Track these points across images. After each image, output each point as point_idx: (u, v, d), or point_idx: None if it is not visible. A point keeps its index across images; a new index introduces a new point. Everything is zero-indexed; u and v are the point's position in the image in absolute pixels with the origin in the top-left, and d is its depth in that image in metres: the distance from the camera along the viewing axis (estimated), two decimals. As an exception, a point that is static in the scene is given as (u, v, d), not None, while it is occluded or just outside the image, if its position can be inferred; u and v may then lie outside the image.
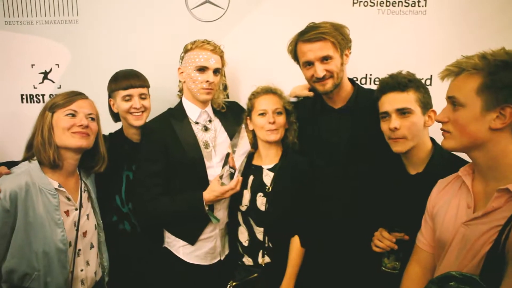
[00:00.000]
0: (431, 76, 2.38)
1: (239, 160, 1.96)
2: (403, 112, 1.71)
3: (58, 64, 2.57)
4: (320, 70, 1.87)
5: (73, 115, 1.75)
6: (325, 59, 1.87)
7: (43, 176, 1.69)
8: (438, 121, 1.39)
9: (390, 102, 1.73)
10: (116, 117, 2.24)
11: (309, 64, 1.91)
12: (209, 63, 2.02)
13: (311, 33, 1.85)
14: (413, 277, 1.56)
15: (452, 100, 1.32)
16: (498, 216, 1.21)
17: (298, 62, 1.99)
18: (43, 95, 2.58)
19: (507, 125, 1.22)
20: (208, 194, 1.93)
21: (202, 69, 2.01)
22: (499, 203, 1.22)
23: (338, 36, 1.86)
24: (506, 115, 1.21)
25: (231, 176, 1.93)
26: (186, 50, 2.07)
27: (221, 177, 1.94)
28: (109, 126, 2.22)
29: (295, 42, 1.94)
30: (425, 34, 2.41)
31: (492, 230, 1.21)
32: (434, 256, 1.50)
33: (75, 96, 1.80)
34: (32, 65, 2.57)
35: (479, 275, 1.17)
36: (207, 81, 2.01)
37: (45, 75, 2.58)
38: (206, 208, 1.94)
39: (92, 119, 1.82)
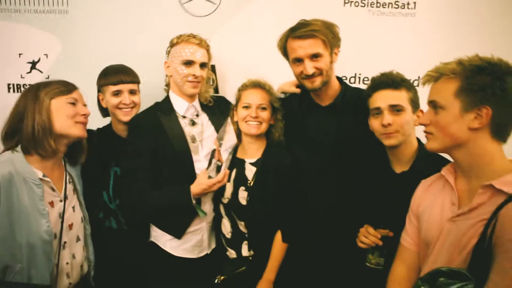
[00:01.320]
0: (419, 77, 2.42)
1: (225, 153, 1.96)
2: (396, 109, 1.75)
3: (46, 54, 2.53)
4: (309, 67, 1.88)
5: (74, 104, 1.74)
6: (314, 56, 1.88)
7: (27, 166, 1.64)
8: (421, 124, 1.45)
9: (383, 98, 1.76)
10: (104, 112, 2.21)
11: (298, 60, 1.92)
12: (195, 57, 2.02)
13: (302, 30, 1.86)
14: (398, 275, 1.58)
15: (433, 104, 1.39)
16: (483, 211, 1.26)
17: (287, 58, 2.00)
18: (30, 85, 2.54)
19: (484, 125, 1.29)
20: (195, 188, 1.92)
21: (188, 63, 2.01)
22: (484, 199, 1.28)
23: (328, 34, 1.87)
24: (482, 115, 1.28)
25: (218, 169, 1.94)
26: (172, 44, 2.08)
27: (207, 170, 1.94)
28: (97, 122, 2.21)
29: (285, 38, 1.94)
30: (413, 36, 2.45)
31: (477, 224, 1.26)
32: (419, 254, 1.54)
33: (72, 85, 1.80)
34: (19, 54, 2.52)
35: (467, 269, 1.22)
36: (194, 75, 2.01)
37: (33, 64, 2.54)
38: (194, 201, 1.94)
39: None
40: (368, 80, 2.49)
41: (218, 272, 2.05)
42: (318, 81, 1.92)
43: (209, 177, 1.92)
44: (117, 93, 2.09)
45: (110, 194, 2.13)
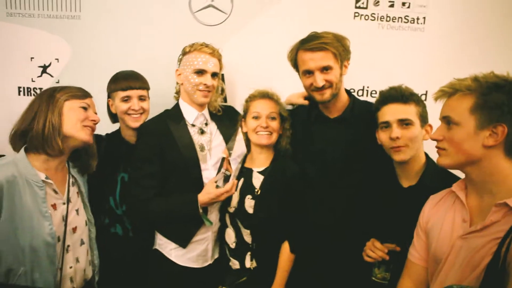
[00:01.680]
0: (426, 92, 2.43)
1: (234, 163, 1.96)
2: (404, 123, 1.74)
3: (57, 59, 2.55)
4: (319, 79, 1.89)
5: (86, 109, 1.76)
6: (325, 69, 1.89)
7: (30, 167, 1.63)
8: (434, 139, 1.44)
9: (392, 112, 1.76)
10: (114, 118, 2.23)
11: (309, 72, 1.93)
12: (207, 67, 2.03)
13: (313, 42, 1.86)
14: None
15: (446, 120, 1.38)
16: (496, 229, 1.26)
17: (297, 70, 2.01)
18: (40, 89, 2.55)
19: (499, 143, 1.28)
20: (203, 197, 1.92)
21: (200, 72, 2.02)
22: (497, 217, 1.27)
23: (339, 47, 1.88)
24: (498, 133, 1.28)
25: (226, 179, 1.93)
26: (184, 53, 2.09)
27: (216, 180, 1.94)
28: (106, 127, 2.22)
29: (296, 50, 1.95)
30: (422, 50, 2.45)
31: (491, 243, 1.25)
32: (427, 270, 1.52)
33: (87, 92, 1.83)
34: (31, 58, 2.55)
35: (479, 287, 1.21)
36: (205, 84, 2.02)
37: (44, 68, 2.56)
38: (200, 210, 1.93)
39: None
40: (375, 93, 2.50)
41: (220, 283, 2.04)
42: (327, 94, 1.93)
43: (217, 186, 1.92)
44: (126, 99, 2.10)
45: (117, 199, 2.12)
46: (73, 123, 1.70)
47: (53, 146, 1.66)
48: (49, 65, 2.56)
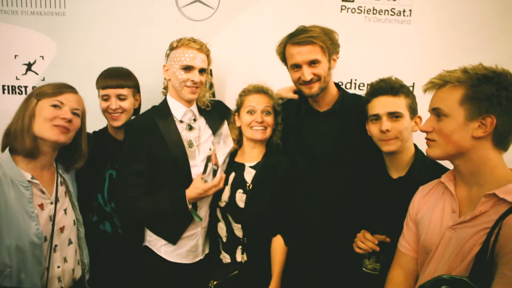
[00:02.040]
0: (413, 84, 2.44)
1: (222, 157, 1.94)
2: (394, 115, 1.75)
3: (42, 56, 2.51)
4: (307, 73, 1.89)
5: (59, 107, 1.70)
6: (313, 62, 1.89)
7: (14, 167, 1.62)
8: (423, 131, 1.45)
9: (382, 105, 1.77)
10: None
11: (297, 66, 1.92)
12: (195, 62, 1.99)
13: (301, 36, 1.86)
14: (396, 281, 1.59)
15: (436, 111, 1.39)
16: (485, 219, 1.27)
17: (286, 64, 2.01)
18: (25, 87, 2.52)
19: (487, 134, 1.30)
20: (190, 192, 1.91)
21: (187, 68, 1.99)
22: (486, 207, 1.29)
23: (327, 41, 1.88)
24: (487, 124, 1.29)
25: (214, 173, 1.91)
26: (171, 48, 2.05)
27: (203, 174, 1.92)
28: (100, 123, 2.21)
29: (284, 44, 1.95)
30: (409, 43, 2.46)
31: (480, 233, 1.27)
32: (417, 260, 1.54)
33: (65, 88, 1.76)
34: (15, 55, 2.50)
35: (469, 277, 1.23)
36: (192, 80, 1.99)
37: (29, 66, 2.52)
38: (189, 206, 1.92)
39: (77, 114, 1.76)
40: (364, 86, 2.51)
41: (211, 277, 2.03)
42: (316, 87, 1.93)
43: (205, 181, 1.90)
44: (106, 98, 2.09)
45: (105, 196, 2.11)
46: (41, 123, 1.66)
47: (20, 145, 1.64)
48: (34, 62, 2.52)
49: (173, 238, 2.02)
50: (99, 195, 2.11)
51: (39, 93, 1.70)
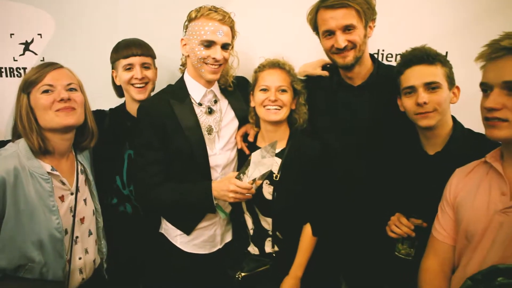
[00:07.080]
0: (447, 53, 2.26)
1: (258, 175, 1.73)
2: (431, 86, 1.60)
3: (40, 34, 2.35)
4: (341, 40, 1.74)
5: (50, 91, 1.56)
6: (347, 28, 1.74)
7: (33, 159, 1.54)
8: (490, 108, 1.26)
9: (417, 75, 1.62)
10: (119, 91, 2.09)
11: (329, 33, 1.77)
12: (216, 37, 1.75)
13: None
14: (431, 269, 1.51)
15: (507, 85, 1.21)
16: None
17: (317, 33, 1.85)
18: (24, 68, 2.36)
19: None
20: (217, 192, 1.74)
21: (208, 44, 1.76)
22: None
23: (363, 4, 1.72)
24: None
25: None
26: (190, 19, 1.81)
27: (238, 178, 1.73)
28: (112, 102, 2.10)
29: (316, 8, 1.79)
30: (441, 9, 2.28)
31: None
32: (453, 248, 1.44)
33: (47, 67, 1.60)
34: (11, 34, 2.34)
35: None
36: (214, 58, 1.77)
37: (26, 46, 2.36)
38: (215, 201, 1.76)
39: (74, 89, 1.62)
40: (391, 56, 2.35)
41: (238, 268, 1.92)
42: (350, 56, 1.78)
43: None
44: (128, 68, 1.97)
45: (124, 179, 2.01)
46: (42, 115, 1.56)
47: (31, 145, 1.55)
48: (32, 41, 2.36)
49: (187, 228, 1.91)
50: (117, 177, 2.01)
51: (24, 86, 1.57)
